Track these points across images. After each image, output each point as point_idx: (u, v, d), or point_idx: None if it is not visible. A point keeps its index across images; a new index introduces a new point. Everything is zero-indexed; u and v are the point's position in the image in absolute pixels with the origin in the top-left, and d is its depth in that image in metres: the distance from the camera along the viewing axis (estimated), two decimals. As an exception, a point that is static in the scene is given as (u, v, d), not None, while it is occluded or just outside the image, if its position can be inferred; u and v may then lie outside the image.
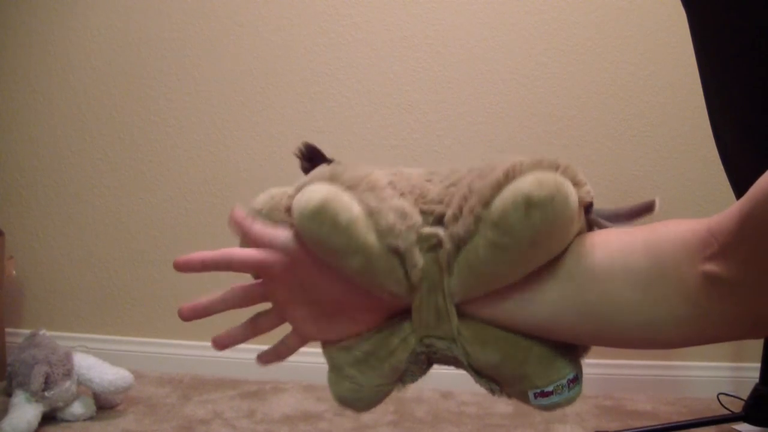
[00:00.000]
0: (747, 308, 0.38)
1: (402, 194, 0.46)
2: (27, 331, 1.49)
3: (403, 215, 0.45)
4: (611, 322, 0.42)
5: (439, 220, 0.46)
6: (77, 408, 1.35)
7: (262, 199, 0.52)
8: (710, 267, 0.38)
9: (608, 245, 0.43)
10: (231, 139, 1.67)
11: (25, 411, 1.26)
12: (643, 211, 0.47)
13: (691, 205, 1.59)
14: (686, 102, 1.57)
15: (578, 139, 1.62)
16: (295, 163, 0.53)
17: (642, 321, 0.41)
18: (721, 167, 0.92)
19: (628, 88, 1.60)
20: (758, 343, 1.28)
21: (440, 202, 0.46)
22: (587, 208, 0.45)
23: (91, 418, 1.36)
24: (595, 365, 1.65)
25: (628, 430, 1.27)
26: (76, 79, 1.70)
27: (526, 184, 0.40)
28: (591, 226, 0.47)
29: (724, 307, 0.38)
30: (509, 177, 0.41)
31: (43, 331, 1.45)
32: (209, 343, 0.53)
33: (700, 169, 1.59)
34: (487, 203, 0.42)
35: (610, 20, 1.59)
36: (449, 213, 0.45)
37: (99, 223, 1.71)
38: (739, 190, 0.89)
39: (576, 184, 0.43)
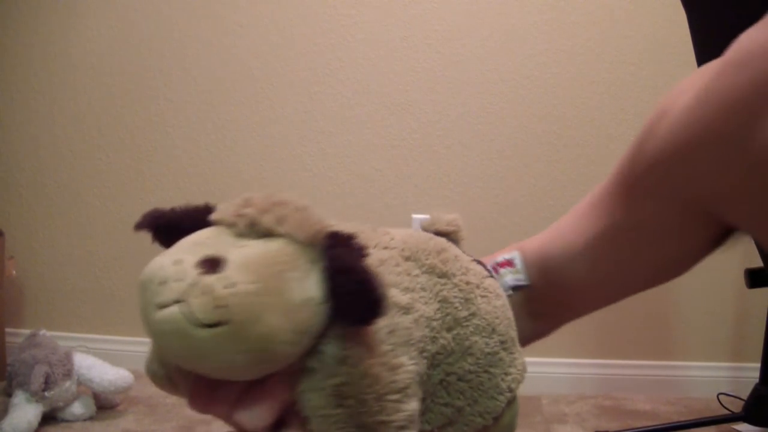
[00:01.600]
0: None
1: None
2: (27, 331, 1.49)
3: None
4: None
5: None
6: (77, 408, 1.35)
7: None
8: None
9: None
10: (231, 139, 1.67)
11: (26, 411, 1.26)
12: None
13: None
14: (686, 102, 1.57)
15: (578, 139, 1.62)
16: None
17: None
18: (721, 167, 0.92)
19: (628, 88, 1.60)
20: (758, 343, 1.28)
21: None
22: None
23: (91, 418, 1.36)
24: (595, 365, 1.65)
25: (628, 430, 1.27)
26: (76, 79, 1.70)
27: None
28: None
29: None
30: None
31: (43, 331, 1.45)
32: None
33: (700, 169, 1.59)
34: None
35: (610, 20, 1.59)
36: None
37: (99, 223, 1.71)
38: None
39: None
